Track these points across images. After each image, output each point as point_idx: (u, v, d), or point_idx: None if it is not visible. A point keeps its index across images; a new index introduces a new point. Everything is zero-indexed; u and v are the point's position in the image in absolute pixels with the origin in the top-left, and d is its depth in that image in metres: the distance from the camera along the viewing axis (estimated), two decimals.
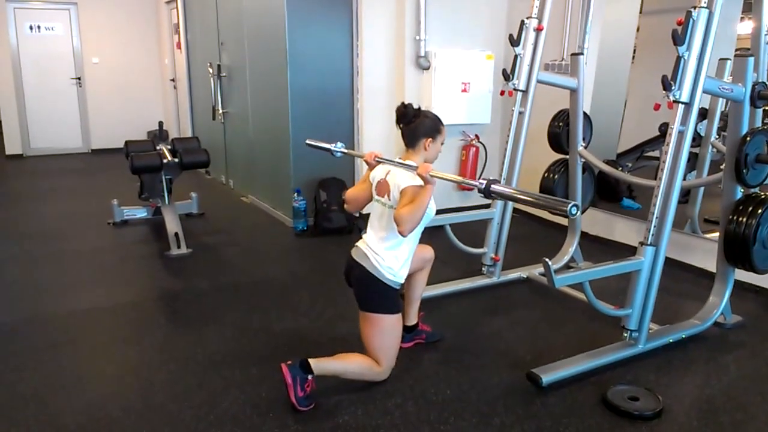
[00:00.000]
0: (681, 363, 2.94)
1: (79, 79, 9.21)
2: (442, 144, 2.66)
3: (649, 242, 2.86)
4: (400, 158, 2.57)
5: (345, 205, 2.80)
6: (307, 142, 3.11)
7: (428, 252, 2.98)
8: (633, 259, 2.89)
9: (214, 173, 7.36)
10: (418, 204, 2.36)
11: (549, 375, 2.68)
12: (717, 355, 3.03)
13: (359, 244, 2.64)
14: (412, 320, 3.04)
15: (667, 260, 2.98)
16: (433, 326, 3.14)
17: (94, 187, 7.11)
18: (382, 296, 2.55)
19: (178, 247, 4.51)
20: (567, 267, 4.15)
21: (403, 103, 2.63)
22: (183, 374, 2.77)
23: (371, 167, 2.68)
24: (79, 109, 9.31)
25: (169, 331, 3.29)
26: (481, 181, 2.24)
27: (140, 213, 5.41)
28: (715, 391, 2.69)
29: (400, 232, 2.38)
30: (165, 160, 4.78)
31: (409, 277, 2.87)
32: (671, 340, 3.08)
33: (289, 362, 2.47)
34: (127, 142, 5.07)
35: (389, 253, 2.54)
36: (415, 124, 2.58)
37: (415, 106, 2.60)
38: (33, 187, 7.19)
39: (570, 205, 1.98)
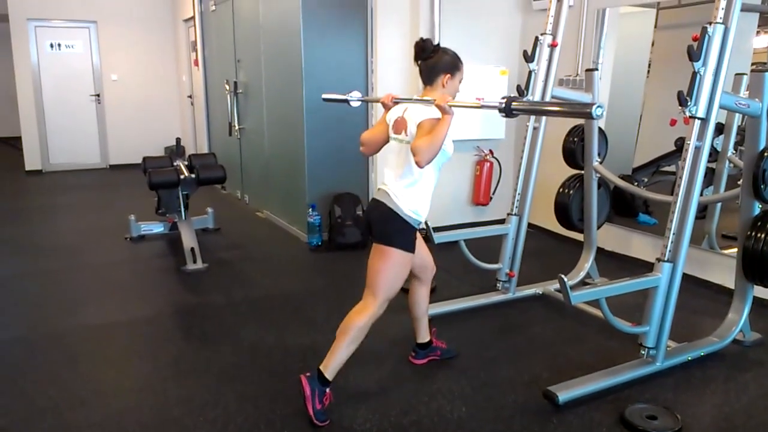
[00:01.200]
0: (700, 381, 2.90)
1: (98, 95, 9.36)
2: (460, 82, 2.60)
3: (666, 258, 2.84)
4: (417, 96, 2.54)
5: (361, 148, 2.72)
6: (324, 96, 3.07)
7: (428, 259, 2.89)
8: (650, 275, 2.86)
9: (230, 188, 7.42)
10: (435, 134, 2.32)
11: (566, 393, 2.65)
12: (736, 374, 2.98)
13: (380, 185, 2.62)
14: (424, 337, 3.01)
15: (685, 276, 2.95)
16: (448, 342, 3.12)
17: (111, 202, 7.19)
18: (399, 232, 2.52)
19: (194, 262, 4.55)
20: (583, 283, 4.11)
21: (421, 38, 2.59)
22: (198, 389, 2.78)
23: (388, 109, 2.64)
24: (97, 125, 9.45)
25: (185, 346, 3.31)
26: (500, 100, 2.21)
27: (157, 228, 5.46)
28: (734, 410, 2.65)
29: (417, 162, 2.32)
30: (182, 176, 4.84)
31: (411, 293, 2.85)
32: (690, 358, 3.04)
33: (308, 374, 2.48)
34: (144, 158, 5.14)
35: (408, 190, 2.50)
36: (434, 60, 2.53)
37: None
38: (52, 202, 7.29)
39: (594, 107, 1.94)
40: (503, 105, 2.21)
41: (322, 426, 2.45)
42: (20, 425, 2.50)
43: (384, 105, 2.64)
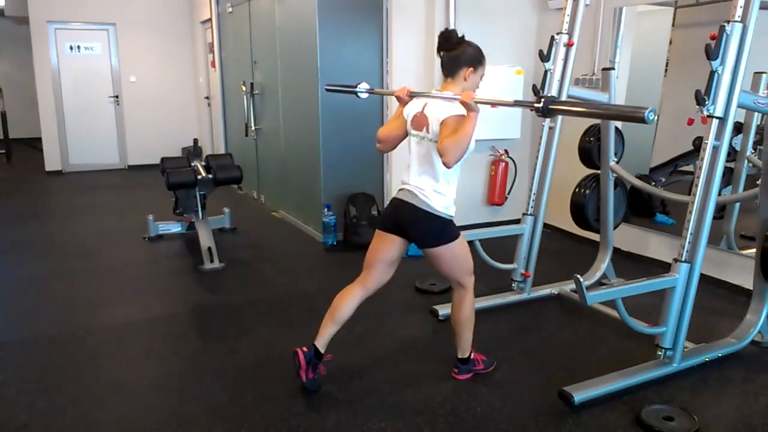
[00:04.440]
0: (717, 382, 2.87)
1: (116, 97, 9.46)
2: (481, 78, 2.56)
3: (683, 259, 2.82)
4: (436, 90, 2.49)
5: (377, 145, 2.70)
6: (327, 87, 2.99)
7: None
8: (667, 275, 2.84)
9: (246, 189, 7.47)
10: (463, 132, 2.28)
11: (581, 393, 2.65)
12: (754, 375, 2.96)
13: (402, 186, 2.59)
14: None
15: (703, 277, 2.93)
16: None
17: (130, 202, 7.28)
18: (440, 230, 2.54)
19: (211, 261, 4.59)
20: (599, 284, 4.09)
21: (446, 29, 2.56)
22: (216, 388, 2.81)
23: (403, 103, 2.60)
24: (116, 126, 9.55)
25: (202, 345, 3.34)
26: (537, 100, 2.10)
27: (175, 228, 5.52)
28: (752, 412, 2.63)
29: (445, 163, 2.30)
30: (199, 176, 4.89)
31: (342, 295, 2.78)
32: (707, 359, 3.01)
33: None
34: (162, 159, 5.19)
35: (437, 188, 2.49)
36: (458, 52, 2.50)
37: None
38: (71, 202, 7.39)
39: (647, 111, 1.81)
40: (540, 105, 2.08)
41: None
42: (42, 421, 2.55)
43: (399, 99, 2.61)
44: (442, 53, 2.54)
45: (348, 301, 2.71)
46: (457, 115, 2.35)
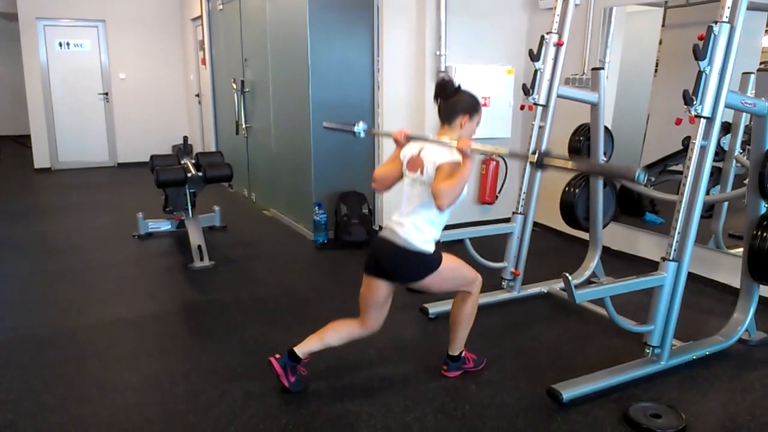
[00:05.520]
0: (704, 380, 2.89)
1: (106, 94, 9.40)
2: (477, 125, 2.59)
3: (671, 257, 2.84)
4: (433, 136, 2.53)
5: (373, 184, 2.73)
6: (325, 124, 3.00)
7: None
8: (655, 274, 2.86)
9: (237, 187, 7.45)
10: (458, 178, 2.32)
11: (570, 391, 2.66)
12: (741, 373, 2.98)
13: (387, 224, 2.62)
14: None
15: (691, 275, 2.95)
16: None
17: (119, 200, 7.24)
18: (419, 263, 2.56)
19: (201, 259, 4.57)
20: (588, 282, 4.11)
21: (443, 77, 2.60)
22: (204, 386, 2.80)
23: (401, 146, 2.64)
24: (106, 123, 9.50)
25: (191, 343, 3.33)
26: (532, 154, 2.13)
27: (164, 226, 5.49)
28: (739, 409, 2.65)
29: (438, 206, 2.34)
30: (189, 174, 4.87)
31: (335, 326, 2.77)
32: (695, 357, 3.04)
33: (278, 356, 2.67)
34: (152, 157, 5.17)
35: (421, 227, 2.51)
36: (455, 100, 2.53)
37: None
38: (60, 200, 7.34)
39: (638, 171, 1.84)
40: (535, 159, 2.11)
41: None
42: (28, 421, 2.53)
43: (396, 141, 2.65)
44: (439, 101, 2.58)
45: (340, 332, 2.74)
46: (453, 162, 2.39)
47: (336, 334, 2.72)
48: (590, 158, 4.00)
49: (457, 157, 2.37)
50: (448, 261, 2.65)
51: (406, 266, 2.57)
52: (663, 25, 4.87)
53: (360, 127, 2.81)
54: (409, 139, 2.61)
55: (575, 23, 3.79)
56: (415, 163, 2.54)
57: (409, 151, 2.60)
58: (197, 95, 9.15)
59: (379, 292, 2.65)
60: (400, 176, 2.64)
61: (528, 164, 2.16)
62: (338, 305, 3.80)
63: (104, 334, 3.44)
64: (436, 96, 2.57)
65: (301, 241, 5.33)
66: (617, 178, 2.02)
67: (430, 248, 2.55)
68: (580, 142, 4.08)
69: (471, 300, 2.78)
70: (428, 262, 2.57)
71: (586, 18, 4.88)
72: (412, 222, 2.52)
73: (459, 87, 2.56)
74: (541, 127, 3.77)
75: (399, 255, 2.53)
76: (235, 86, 6.86)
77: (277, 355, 2.69)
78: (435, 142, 2.48)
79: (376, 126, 5.34)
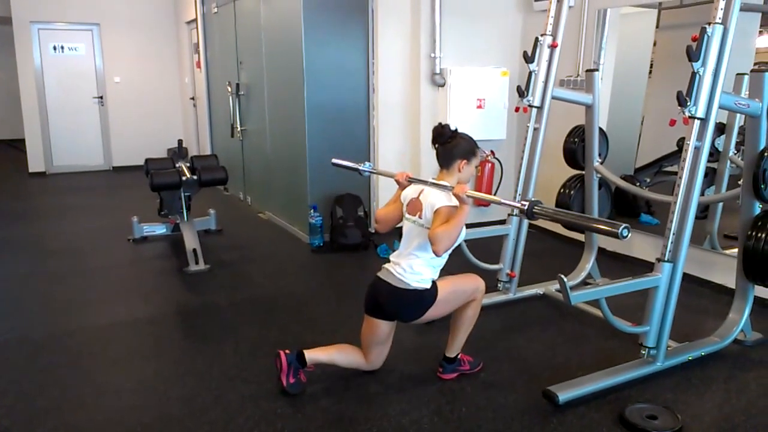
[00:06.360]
0: (700, 381, 2.90)
1: (101, 98, 9.38)
2: (476, 168, 2.68)
3: (666, 258, 2.84)
4: (433, 179, 2.60)
5: (375, 224, 2.86)
6: (333, 161, 3.15)
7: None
8: (650, 275, 2.86)
9: (232, 190, 7.44)
10: (454, 224, 2.40)
11: (566, 393, 2.66)
12: (737, 373, 2.98)
13: (385, 265, 2.70)
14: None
15: (686, 276, 2.96)
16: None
17: (114, 204, 7.22)
18: (417, 301, 2.61)
19: (197, 263, 4.56)
20: (584, 283, 4.11)
21: (440, 124, 2.65)
22: (199, 389, 2.79)
23: (402, 187, 2.72)
24: (100, 127, 9.46)
25: (187, 347, 3.32)
26: (522, 203, 2.25)
27: (159, 229, 5.48)
28: (735, 410, 2.65)
29: (435, 252, 2.41)
30: (184, 178, 4.85)
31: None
32: (690, 358, 3.04)
33: (287, 351, 2.67)
34: (147, 160, 5.15)
35: (416, 269, 2.57)
36: (452, 145, 2.60)
37: (452, 127, 2.63)
38: (55, 204, 7.31)
39: (621, 228, 1.93)
40: (525, 208, 2.24)
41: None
42: (22, 426, 2.51)
43: (398, 182, 2.72)
44: (437, 146, 2.64)
45: (348, 355, 2.80)
46: (450, 206, 2.46)
47: (344, 355, 2.78)
48: (585, 163, 4.01)
49: (455, 201, 2.44)
50: (444, 286, 2.68)
51: (404, 307, 2.64)
52: (657, 27, 4.88)
53: (366, 166, 2.99)
54: (410, 181, 2.68)
55: (569, 25, 3.81)
56: (415, 206, 2.61)
57: (410, 193, 2.67)
58: (192, 98, 9.13)
59: (379, 331, 2.71)
60: (401, 217, 2.71)
61: (517, 212, 2.34)
62: (334, 308, 3.80)
63: (99, 337, 3.43)
64: (434, 142, 2.64)
65: (297, 244, 5.32)
66: (602, 233, 2.14)
67: (426, 285, 2.61)
68: (575, 143, 4.08)
69: (474, 304, 2.79)
70: (425, 299, 2.62)
71: (580, 20, 4.89)
72: (409, 264, 2.59)
73: (455, 132, 2.62)
74: (536, 129, 3.78)
75: (396, 295, 2.59)
76: (230, 89, 6.85)
77: (287, 351, 2.70)
78: (435, 185, 2.54)
79: (370, 129, 5.34)
